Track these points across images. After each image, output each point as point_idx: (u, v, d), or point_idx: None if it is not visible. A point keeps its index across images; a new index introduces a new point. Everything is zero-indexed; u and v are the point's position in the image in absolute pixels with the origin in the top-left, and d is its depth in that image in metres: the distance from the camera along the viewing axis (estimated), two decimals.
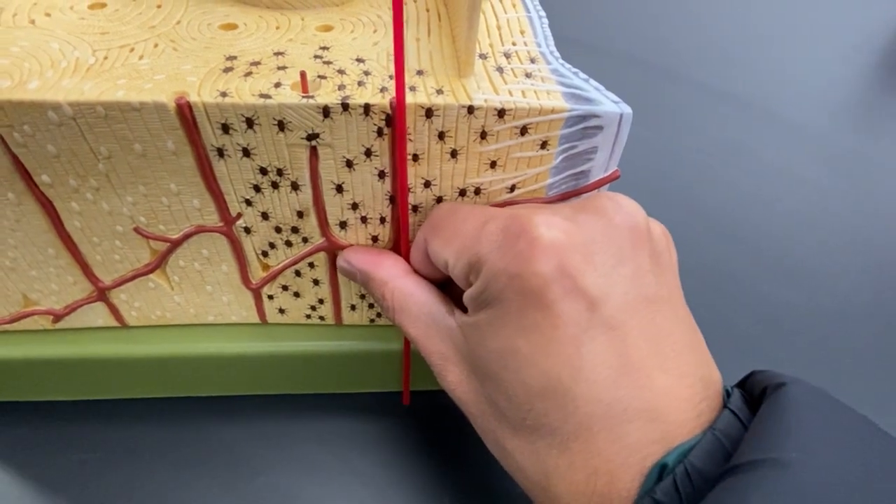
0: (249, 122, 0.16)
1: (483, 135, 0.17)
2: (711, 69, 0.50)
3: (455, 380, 0.18)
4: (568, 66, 0.19)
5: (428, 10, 0.21)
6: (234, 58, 0.18)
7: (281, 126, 0.17)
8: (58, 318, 0.22)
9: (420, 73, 0.18)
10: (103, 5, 0.20)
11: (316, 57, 0.18)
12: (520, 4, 0.21)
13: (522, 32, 0.20)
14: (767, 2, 0.62)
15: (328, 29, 0.19)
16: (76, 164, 0.17)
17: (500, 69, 0.18)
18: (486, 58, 0.19)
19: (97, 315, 0.23)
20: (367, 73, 0.17)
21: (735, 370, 0.18)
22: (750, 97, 0.47)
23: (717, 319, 0.30)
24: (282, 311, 0.23)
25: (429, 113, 0.17)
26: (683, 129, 0.43)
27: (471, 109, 0.17)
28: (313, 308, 0.23)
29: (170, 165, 0.18)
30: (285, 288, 0.22)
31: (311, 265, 0.21)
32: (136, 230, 0.19)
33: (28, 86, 0.16)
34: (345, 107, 0.16)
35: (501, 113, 0.17)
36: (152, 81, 0.16)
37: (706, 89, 0.48)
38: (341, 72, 0.17)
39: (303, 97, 0.16)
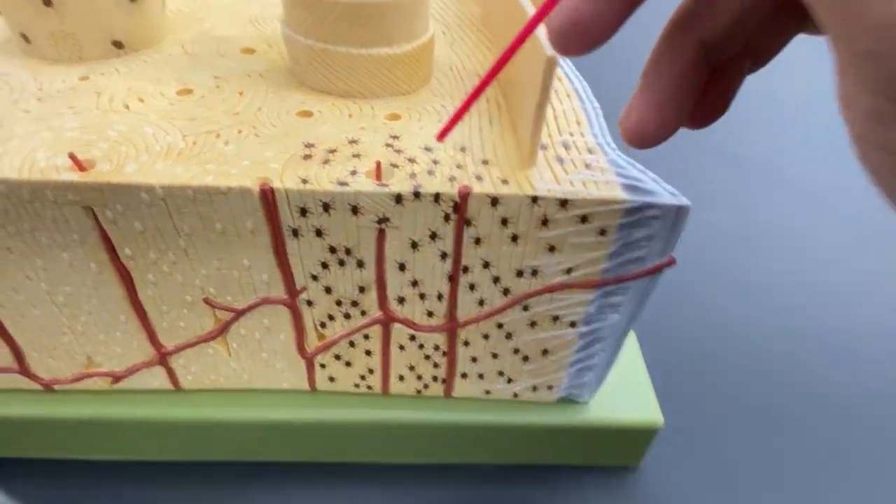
0: (326, 207, 0.17)
1: (544, 222, 0.18)
2: (765, 152, 0.50)
3: None
4: (624, 157, 0.20)
5: (488, 101, 0.22)
6: (312, 145, 0.19)
7: (355, 210, 0.18)
8: (117, 379, 0.23)
9: (485, 162, 0.19)
10: (190, 91, 0.21)
11: (387, 145, 0.19)
12: (574, 95, 0.23)
13: (579, 123, 0.21)
14: (806, 81, 0.62)
15: (396, 118, 0.21)
16: (159, 239, 0.18)
17: (560, 160, 0.19)
18: (545, 148, 0.20)
19: (154, 378, 0.23)
20: (435, 163, 0.18)
21: (780, 446, 0.17)
22: (799, 181, 0.47)
23: (766, 400, 0.30)
24: (332, 379, 0.24)
25: (494, 202, 0.18)
26: (734, 209, 0.43)
27: (535, 199, 0.17)
28: (362, 377, 0.24)
29: (245, 242, 0.19)
30: (338, 357, 0.23)
31: (366, 336, 0.22)
32: (206, 300, 0.20)
33: (125, 169, 0.17)
34: (416, 195, 0.17)
35: (564, 203, 0.18)
36: (238, 167, 0.18)
37: (760, 172, 0.48)
38: (412, 160, 0.18)
39: (377, 185, 0.17)
